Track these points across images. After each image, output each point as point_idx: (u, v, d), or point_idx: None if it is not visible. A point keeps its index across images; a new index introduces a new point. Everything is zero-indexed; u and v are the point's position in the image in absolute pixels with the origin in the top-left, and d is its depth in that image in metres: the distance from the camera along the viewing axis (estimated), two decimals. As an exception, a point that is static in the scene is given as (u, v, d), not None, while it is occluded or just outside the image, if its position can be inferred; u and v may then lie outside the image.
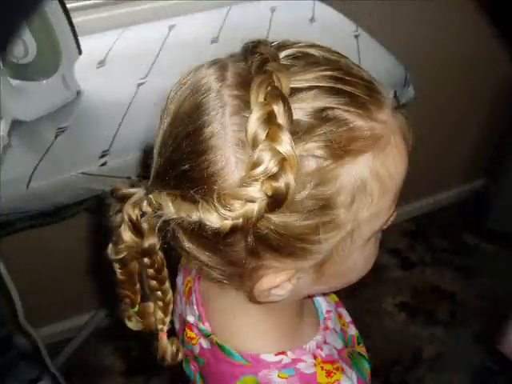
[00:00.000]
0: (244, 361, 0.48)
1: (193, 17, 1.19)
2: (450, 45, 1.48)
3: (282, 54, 0.38)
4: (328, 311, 0.58)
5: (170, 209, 0.36)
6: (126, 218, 0.41)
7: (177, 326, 0.62)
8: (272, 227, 0.36)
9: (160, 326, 0.49)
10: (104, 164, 0.79)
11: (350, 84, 0.37)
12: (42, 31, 0.84)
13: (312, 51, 0.38)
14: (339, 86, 0.36)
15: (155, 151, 0.41)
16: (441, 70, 1.52)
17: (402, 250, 1.83)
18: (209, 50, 1.03)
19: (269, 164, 0.33)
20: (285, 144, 0.33)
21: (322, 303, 0.59)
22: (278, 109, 0.33)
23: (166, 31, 1.11)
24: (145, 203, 0.41)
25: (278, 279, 0.41)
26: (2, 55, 0.64)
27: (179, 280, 0.62)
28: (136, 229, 0.41)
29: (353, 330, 0.64)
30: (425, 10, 1.38)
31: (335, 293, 0.64)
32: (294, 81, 0.35)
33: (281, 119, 0.33)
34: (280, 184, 0.33)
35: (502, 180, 1.77)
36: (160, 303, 0.48)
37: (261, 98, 0.34)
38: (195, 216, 0.34)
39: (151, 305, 0.49)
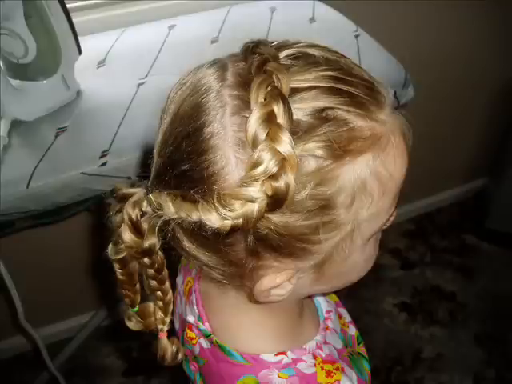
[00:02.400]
0: (244, 361, 0.48)
1: (193, 17, 1.19)
2: (449, 45, 1.48)
3: (282, 54, 0.38)
4: (328, 311, 0.58)
5: (170, 209, 0.36)
6: (126, 217, 0.41)
7: (177, 326, 0.62)
8: (272, 227, 0.36)
9: (160, 326, 0.49)
10: (104, 164, 0.79)
11: (350, 84, 0.37)
12: (42, 31, 0.84)
13: (312, 51, 0.38)
14: (339, 86, 0.36)
15: (155, 151, 0.41)
16: (441, 70, 1.52)
17: (402, 249, 1.83)
18: (209, 50, 1.03)
19: (269, 164, 0.33)
20: (285, 144, 0.33)
21: (322, 303, 0.59)
22: (278, 109, 0.33)
23: (166, 31, 1.11)
24: (145, 203, 0.41)
25: (278, 279, 0.41)
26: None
27: (179, 280, 0.62)
28: (136, 229, 0.41)
29: (353, 330, 0.64)
30: (424, 10, 1.38)
31: (335, 293, 0.64)
32: (293, 81, 0.35)
33: (281, 119, 0.33)
34: (280, 184, 0.33)
35: (501, 180, 1.77)
36: (160, 303, 0.48)
37: (261, 98, 0.34)
38: (195, 216, 0.34)
39: (151, 305, 0.49)
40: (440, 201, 1.98)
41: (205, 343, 0.53)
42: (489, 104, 1.75)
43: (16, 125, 0.85)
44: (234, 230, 0.34)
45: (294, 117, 0.34)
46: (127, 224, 0.41)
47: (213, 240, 0.38)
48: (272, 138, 0.33)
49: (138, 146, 0.80)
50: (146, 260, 0.44)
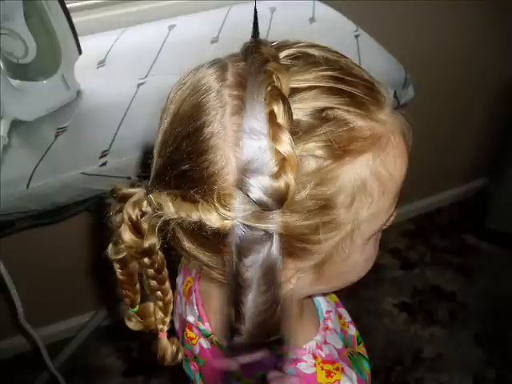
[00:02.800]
0: (244, 361, 0.48)
1: (193, 17, 1.19)
2: (449, 45, 1.48)
3: (282, 54, 0.38)
4: (328, 311, 0.58)
5: (170, 209, 0.36)
6: (126, 217, 0.41)
7: (177, 326, 0.62)
8: (272, 227, 0.36)
9: (160, 326, 0.49)
10: (104, 164, 0.79)
11: (350, 84, 0.37)
12: (42, 31, 0.84)
13: (312, 51, 0.38)
14: (339, 86, 0.36)
15: (155, 151, 0.41)
16: (441, 70, 1.52)
17: (402, 249, 1.84)
18: (209, 50, 1.03)
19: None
20: (285, 144, 0.33)
21: (322, 303, 0.59)
22: (278, 109, 0.33)
23: (166, 31, 1.11)
24: (145, 203, 0.41)
25: (278, 279, 0.41)
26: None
27: (179, 280, 0.62)
28: (136, 229, 0.41)
29: (353, 330, 0.64)
30: (424, 10, 1.38)
31: (335, 293, 0.64)
32: (293, 81, 0.35)
33: (281, 119, 0.33)
34: (280, 184, 0.33)
35: (501, 180, 1.77)
36: (160, 303, 0.48)
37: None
38: (195, 216, 0.34)
39: (151, 305, 0.49)
40: (440, 201, 1.98)
41: (205, 343, 0.53)
42: (489, 104, 1.75)
43: (16, 125, 0.85)
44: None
45: (294, 117, 0.34)
46: (127, 224, 0.41)
47: (213, 240, 0.38)
48: (272, 138, 0.33)
49: (137, 145, 0.80)
50: (146, 260, 0.44)
